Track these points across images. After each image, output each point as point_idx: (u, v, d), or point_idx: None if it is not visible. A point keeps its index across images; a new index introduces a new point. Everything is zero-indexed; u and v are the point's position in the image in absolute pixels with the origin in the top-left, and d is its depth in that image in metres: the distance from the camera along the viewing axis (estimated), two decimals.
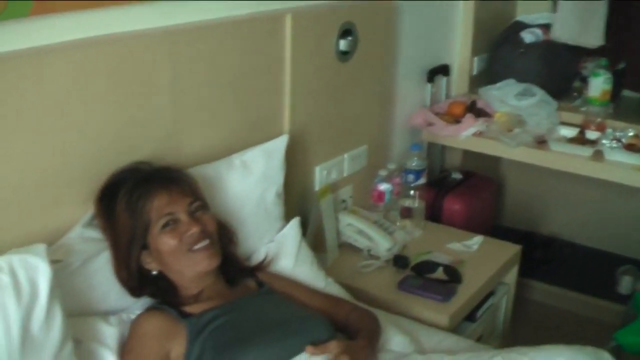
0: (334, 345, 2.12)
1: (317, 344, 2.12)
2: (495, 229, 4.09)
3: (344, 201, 3.44)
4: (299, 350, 2.11)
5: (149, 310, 2.25)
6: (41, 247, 1.97)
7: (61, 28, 2.19)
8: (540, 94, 4.00)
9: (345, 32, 3.22)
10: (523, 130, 3.82)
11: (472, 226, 3.66)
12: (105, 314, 2.25)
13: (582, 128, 3.80)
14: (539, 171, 4.16)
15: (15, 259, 1.92)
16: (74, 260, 2.19)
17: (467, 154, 4.24)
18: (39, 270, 1.92)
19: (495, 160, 4.57)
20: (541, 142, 3.75)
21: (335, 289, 2.72)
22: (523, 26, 4.35)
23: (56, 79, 2.16)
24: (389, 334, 2.50)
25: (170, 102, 2.52)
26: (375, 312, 2.56)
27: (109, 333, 2.18)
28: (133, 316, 2.26)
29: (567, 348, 2.28)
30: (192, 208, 2.25)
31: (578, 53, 4.31)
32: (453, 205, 3.92)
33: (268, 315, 2.28)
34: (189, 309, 2.23)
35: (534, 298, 4.33)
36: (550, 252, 4.54)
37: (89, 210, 2.30)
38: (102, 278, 2.25)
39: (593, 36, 4.20)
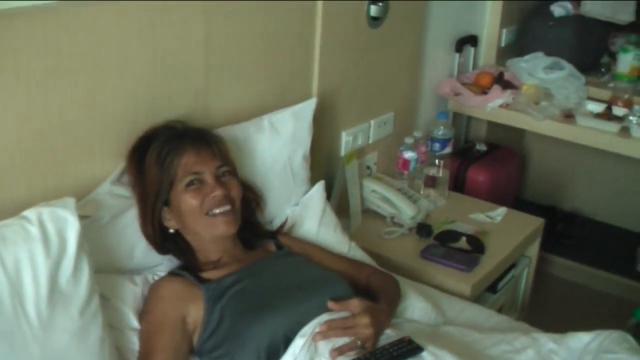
0: (355, 304, 2.12)
1: (337, 302, 2.12)
2: (516, 203, 4.07)
3: (368, 168, 3.43)
4: (319, 312, 2.10)
5: (167, 275, 2.26)
6: (70, 201, 1.97)
7: None
8: (568, 67, 3.97)
9: None
10: (550, 103, 3.81)
11: (494, 198, 3.65)
12: (130, 272, 2.26)
13: (609, 104, 3.76)
14: (562, 146, 4.15)
15: (44, 212, 1.92)
16: (102, 216, 2.20)
17: (492, 125, 4.22)
18: (68, 224, 1.92)
19: (519, 133, 4.55)
20: (568, 117, 3.72)
21: (358, 254, 2.72)
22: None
23: (92, 32, 2.15)
24: (411, 300, 2.50)
25: (203, 60, 2.52)
26: (396, 278, 2.56)
27: (133, 293, 2.19)
28: (157, 277, 2.27)
29: (593, 334, 2.27)
30: (219, 172, 2.25)
31: (607, 28, 4.28)
32: (477, 176, 3.92)
33: (286, 278, 2.28)
34: (207, 275, 2.24)
35: (553, 273, 4.32)
36: (571, 228, 4.51)
37: (118, 166, 2.31)
38: (128, 235, 2.26)
39: (624, 12, 4.16)
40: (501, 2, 4.22)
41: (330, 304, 2.10)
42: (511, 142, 4.46)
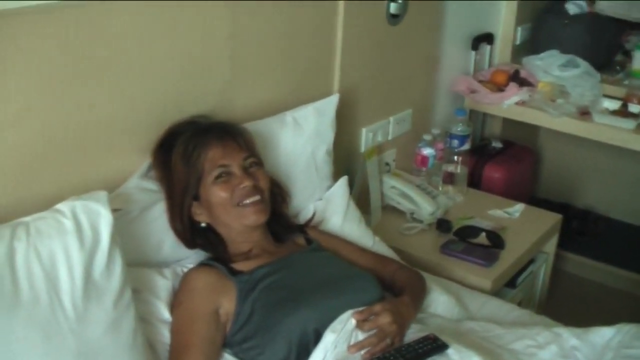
0: (377, 306, 2.13)
1: (362, 311, 2.12)
2: (531, 200, 4.08)
3: (387, 164, 3.46)
4: (348, 308, 2.11)
5: (199, 266, 2.27)
6: (103, 194, 1.99)
7: None
8: (584, 65, 3.97)
9: None
10: (566, 101, 3.81)
11: (510, 195, 3.66)
12: (159, 266, 2.28)
13: (625, 101, 3.77)
14: (576, 143, 4.16)
15: (78, 205, 1.94)
16: (132, 210, 2.22)
17: (507, 123, 4.23)
18: (101, 217, 1.94)
19: (534, 131, 4.57)
20: (584, 114, 3.73)
21: (382, 248, 2.74)
22: None
23: (120, 28, 2.17)
24: (434, 294, 2.51)
25: (228, 56, 2.54)
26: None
27: (164, 285, 2.21)
28: (186, 269, 2.29)
29: (615, 329, 2.29)
30: (246, 163, 2.27)
31: (622, 26, 4.28)
32: (493, 173, 3.93)
33: (318, 273, 2.30)
34: (238, 266, 2.25)
35: (569, 270, 4.33)
36: (585, 225, 4.53)
37: (146, 160, 2.33)
38: (157, 228, 2.28)
39: (638, 9, 4.17)
40: (516, 0, 4.23)
41: (356, 315, 2.09)
42: (526, 139, 4.47)
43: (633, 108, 3.72)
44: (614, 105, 3.77)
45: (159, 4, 2.27)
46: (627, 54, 4.23)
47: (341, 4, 2.95)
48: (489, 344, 2.24)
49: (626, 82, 4.03)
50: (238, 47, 2.57)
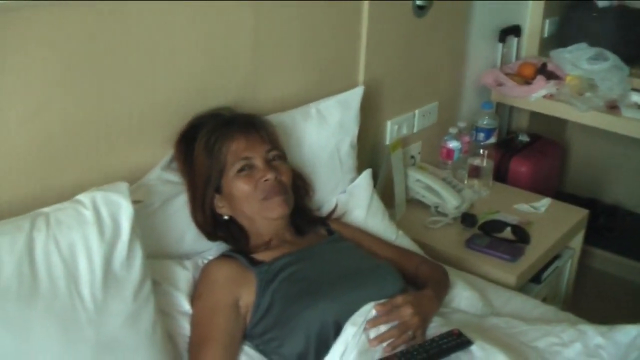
0: (398, 299, 2.11)
1: (384, 303, 2.09)
2: (557, 195, 4.04)
3: (412, 157, 3.43)
4: (369, 300, 2.09)
5: (220, 257, 2.27)
6: (123, 185, 1.98)
7: None
8: (612, 58, 3.93)
9: None
10: (594, 94, 3.76)
11: (536, 190, 3.62)
12: (180, 258, 2.27)
13: None
14: (604, 138, 4.12)
15: (98, 196, 1.93)
16: (153, 202, 2.22)
17: (534, 116, 4.20)
18: (122, 208, 1.94)
19: (561, 125, 4.52)
20: (612, 108, 3.69)
21: (406, 242, 2.72)
22: None
23: (143, 20, 2.17)
24: (457, 289, 2.49)
25: (251, 47, 2.53)
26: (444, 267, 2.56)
27: (184, 277, 2.20)
28: (207, 261, 2.28)
29: None
30: (269, 156, 2.26)
31: None
32: (519, 167, 3.89)
33: (338, 264, 2.28)
34: (259, 256, 2.23)
35: (596, 265, 4.29)
36: (613, 221, 4.49)
37: (168, 152, 2.32)
38: (179, 220, 2.27)
39: None
40: None
41: (377, 307, 2.08)
42: (553, 133, 4.43)
43: None
44: None
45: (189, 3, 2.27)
46: None
47: None
48: (513, 341, 2.22)
49: None
50: (261, 39, 2.55)
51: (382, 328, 2.04)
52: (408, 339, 2.05)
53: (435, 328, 2.14)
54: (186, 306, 2.14)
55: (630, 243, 4.38)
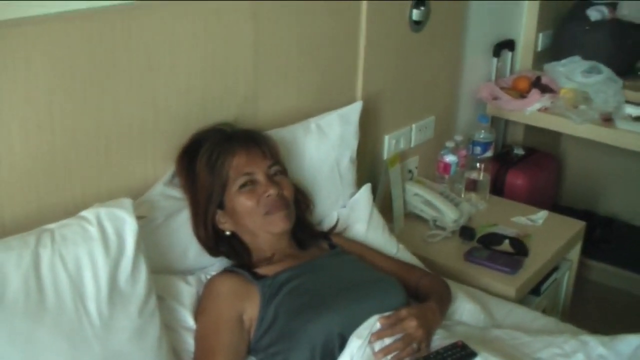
0: (402, 312, 2.12)
1: (389, 316, 2.10)
2: (554, 207, 4.06)
3: (410, 171, 3.45)
4: (374, 313, 2.10)
5: (223, 272, 2.27)
6: (127, 201, 1.99)
7: None
8: (606, 71, 3.96)
9: (419, 2, 3.20)
10: (589, 107, 3.79)
11: (533, 203, 3.64)
12: (183, 273, 2.27)
13: None
14: (598, 150, 4.15)
15: (103, 212, 1.94)
16: (156, 217, 2.22)
17: (529, 129, 4.22)
18: (126, 224, 1.94)
19: (556, 138, 4.55)
20: (607, 120, 3.71)
21: (407, 256, 2.73)
22: (589, 4, 4.30)
23: (145, 35, 2.18)
24: (459, 302, 2.50)
25: (252, 63, 2.54)
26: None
27: (188, 292, 2.21)
28: (210, 276, 2.28)
29: None
30: (271, 171, 2.27)
31: None
32: (516, 180, 3.92)
33: (341, 277, 2.29)
34: (262, 270, 2.24)
35: (593, 278, 4.31)
36: (609, 233, 4.51)
37: (170, 167, 2.33)
38: (182, 236, 2.28)
39: None
40: (538, 6, 4.22)
41: (382, 320, 2.08)
42: (548, 146, 4.46)
43: None
44: (637, 111, 3.75)
45: (184, 11, 2.28)
46: None
47: (364, 11, 2.94)
48: (516, 352, 2.23)
49: None
50: (261, 55, 2.57)
51: (387, 341, 2.05)
52: (413, 352, 2.06)
53: (439, 340, 2.14)
54: (190, 322, 2.15)
55: (627, 254, 4.40)
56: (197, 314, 2.17)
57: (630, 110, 3.77)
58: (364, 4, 2.94)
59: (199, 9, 2.32)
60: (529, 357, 2.23)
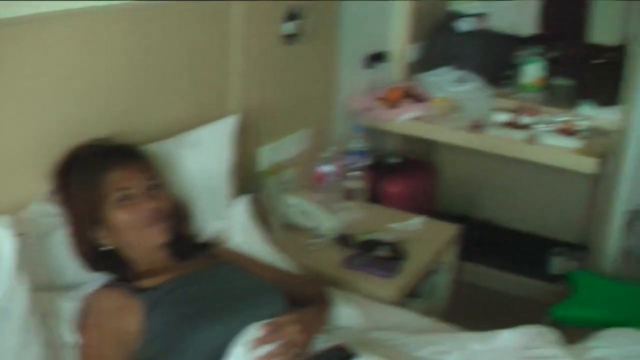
0: (285, 319, 2.16)
1: (270, 323, 2.14)
2: (431, 213, 4.15)
3: (287, 182, 3.47)
4: (256, 320, 2.13)
5: (102, 288, 2.26)
6: (5, 219, 1.98)
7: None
8: (475, 80, 4.08)
9: (292, 16, 3.26)
10: (460, 115, 3.90)
11: (410, 209, 3.70)
12: (64, 289, 2.26)
13: (516, 113, 3.89)
14: (472, 157, 4.26)
15: None
16: (35, 234, 2.20)
17: (406, 138, 4.29)
18: (4, 241, 1.94)
19: (432, 146, 4.66)
20: (477, 127, 3.83)
21: (287, 265, 2.75)
22: (457, 15, 4.43)
23: (14, 52, 2.16)
24: (339, 306, 2.53)
25: (127, 78, 2.55)
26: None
27: (68, 309, 2.18)
28: (88, 293, 2.27)
29: (516, 331, 2.38)
30: (148, 184, 2.27)
31: (512, 41, 4.40)
32: (392, 188, 3.99)
33: (223, 287, 2.30)
34: (143, 283, 2.24)
35: (469, 279, 4.38)
36: (484, 236, 4.63)
37: (48, 184, 2.31)
38: (60, 252, 2.26)
39: (526, 25, 4.31)
40: (408, 19, 4.31)
41: (264, 327, 2.11)
42: (424, 154, 4.56)
43: (524, 119, 3.83)
44: (505, 117, 3.88)
45: (50, 27, 2.27)
46: (518, 68, 4.34)
47: (237, 26, 2.98)
48: (396, 353, 2.28)
49: (517, 95, 4.15)
50: (137, 71, 2.58)
51: (269, 347, 2.08)
52: (294, 356, 2.09)
53: (320, 344, 2.18)
54: (70, 338, 2.13)
55: (501, 256, 4.55)
56: (80, 331, 2.15)
57: (500, 117, 3.89)
58: (237, 18, 2.98)
59: (70, 24, 2.32)
60: (409, 356, 2.29)
